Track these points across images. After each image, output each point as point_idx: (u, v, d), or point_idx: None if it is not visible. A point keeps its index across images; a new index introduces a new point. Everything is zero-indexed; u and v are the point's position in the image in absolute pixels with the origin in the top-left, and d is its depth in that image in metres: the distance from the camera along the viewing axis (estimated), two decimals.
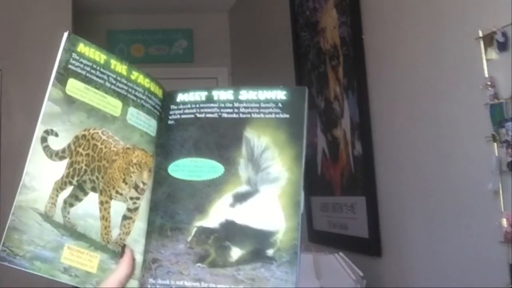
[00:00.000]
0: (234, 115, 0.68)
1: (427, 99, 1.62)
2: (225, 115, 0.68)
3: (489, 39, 1.29)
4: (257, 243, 0.63)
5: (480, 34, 1.32)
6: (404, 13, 1.74)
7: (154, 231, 0.65)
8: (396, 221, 1.80)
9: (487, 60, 1.31)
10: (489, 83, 1.29)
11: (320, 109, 2.37)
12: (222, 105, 0.69)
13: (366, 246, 1.95)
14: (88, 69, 0.66)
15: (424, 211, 1.65)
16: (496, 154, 1.28)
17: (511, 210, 1.24)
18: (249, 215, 0.64)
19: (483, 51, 1.31)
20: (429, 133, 1.61)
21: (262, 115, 0.67)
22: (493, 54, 1.29)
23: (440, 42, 1.54)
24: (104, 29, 4.01)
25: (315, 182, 2.43)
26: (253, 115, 0.68)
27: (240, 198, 0.65)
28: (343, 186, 2.18)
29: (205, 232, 0.64)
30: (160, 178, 0.67)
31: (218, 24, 4.19)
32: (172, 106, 0.71)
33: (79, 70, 0.65)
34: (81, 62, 0.65)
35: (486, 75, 1.31)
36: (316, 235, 2.44)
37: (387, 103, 1.86)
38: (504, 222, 1.24)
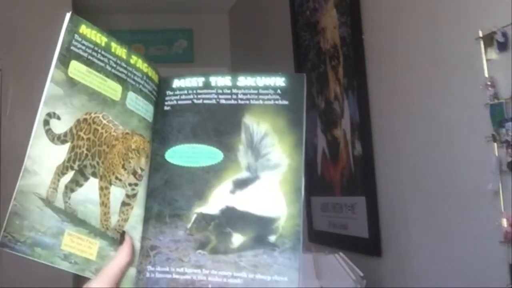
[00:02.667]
0: (233, 101, 0.67)
1: (427, 99, 1.62)
2: (223, 101, 0.67)
3: (489, 39, 1.29)
4: (259, 229, 0.61)
5: (480, 34, 1.32)
6: (404, 13, 1.74)
7: (151, 217, 0.64)
8: (396, 221, 1.80)
9: (487, 60, 1.30)
10: (489, 83, 1.29)
11: (320, 109, 2.36)
12: (220, 91, 0.67)
13: (366, 246, 1.95)
14: (90, 51, 0.64)
15: (424, 211, 1.65)
16: (496, 154, 1.28)
17: (511, 210, 1.24)
18: (250, 202, 0.63)
19: (483, 51, 1.31)
20: (429, 133, 1.61)
21: (261, 102, 0.66)
22: (493, 54, 1.29)
23: (440, 42, 1.54)
24: (104, 29, 3.97)
25: (315, 182, 2.42)
26: (251, 102, 0.66)
27: (241, 184, 0.63)
28: (343, 186, 2.18)
29: (205, 219, 0.63)
30: (157, 164, 0.66)
31: (218, 24, 4.19)
32: (168, 92, 0.69)
33: (81, 52, 0.63)
34: (83, 44, 0.63)
35: (486, 75, 1.31)
36: (316, 235, 2.44)
37: (387, 103, 1.86)
38: (504, 222, 1.24)
